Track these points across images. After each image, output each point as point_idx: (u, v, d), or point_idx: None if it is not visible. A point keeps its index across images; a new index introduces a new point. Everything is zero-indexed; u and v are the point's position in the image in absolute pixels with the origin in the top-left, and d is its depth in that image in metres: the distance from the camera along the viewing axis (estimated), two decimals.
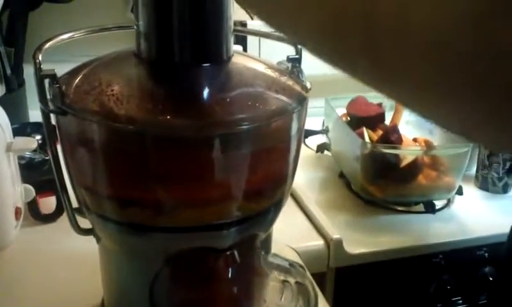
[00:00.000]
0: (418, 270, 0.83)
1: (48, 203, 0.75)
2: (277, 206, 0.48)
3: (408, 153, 0.88)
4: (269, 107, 0.43)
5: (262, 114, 0.43)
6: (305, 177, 0.98)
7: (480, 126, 0.21)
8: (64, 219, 0.50)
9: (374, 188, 0.88)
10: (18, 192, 0.69)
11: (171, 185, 0.42)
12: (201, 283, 0.45)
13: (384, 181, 0.88)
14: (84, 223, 0.49)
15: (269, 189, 0.46)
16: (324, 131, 1.07)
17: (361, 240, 0.80)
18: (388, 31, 0.21)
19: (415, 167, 0.87)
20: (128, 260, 0.46)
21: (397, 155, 0.87)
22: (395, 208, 0.89)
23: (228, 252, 0.45)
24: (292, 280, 0.45)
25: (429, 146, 0.88)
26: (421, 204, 0.89)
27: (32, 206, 0.74)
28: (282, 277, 0.45)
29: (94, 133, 0.41)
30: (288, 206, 0.86)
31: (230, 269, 0.45)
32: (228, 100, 0.43)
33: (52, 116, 0.44)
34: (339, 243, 0.76)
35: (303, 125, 0.48)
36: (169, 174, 0.42)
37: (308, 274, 0.51)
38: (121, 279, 0.48)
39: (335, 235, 0.77)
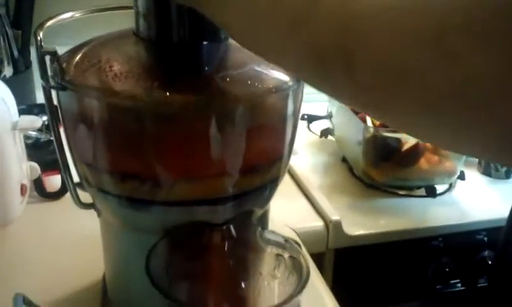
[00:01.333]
0: (417, 252, 0.84)
1: (54, 182, 0.77)
2: (273, 184, 0.49)
3: (409, 137, 0.88)
4: (266, 85, 0.44)
5: (259, 91, 0.43)
6: (309, 161, 0.98)
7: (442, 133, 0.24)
8: (68, 197, 0.52)
9: (376, 172, 0.89)
10: (24, 169, 0.71)
11: (169, 159, 0.43)
12: (198, 255, 0.46)
13: (385, 165, 0.89)
14: (86, 198, 0.51)
15: (265, 166, 0.47)
16: (328, 116, 1.08)
17: (361, 222, 0.81)
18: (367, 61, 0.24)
19: (416, 151, 0.87)
20: (127, 233, 0.48)
21: (398, 139, 0.88)
22: (396, 192, 0.90)
23: (224, 227, 0.46)
24: (286, 255, 0.46)
25: None
26: (422, 189, 0.90)
27: (38, 184, 0.75)
28: (277, 252, 0.46)
29: (93, 108, 0.42)
30: (290, 190, 0.87)
31: (226, 243, 0.46)
32: (225, 77, 0.43)
33: (53, 94, 0.45)
34: (338, 224, 0.77)
35: (300, 105, 0.49)
36: (167, 149, 0.43)
37: (303, 249, 0.52)
38: (120, 252, 0.50)
39: (334, 217, 0.77)
